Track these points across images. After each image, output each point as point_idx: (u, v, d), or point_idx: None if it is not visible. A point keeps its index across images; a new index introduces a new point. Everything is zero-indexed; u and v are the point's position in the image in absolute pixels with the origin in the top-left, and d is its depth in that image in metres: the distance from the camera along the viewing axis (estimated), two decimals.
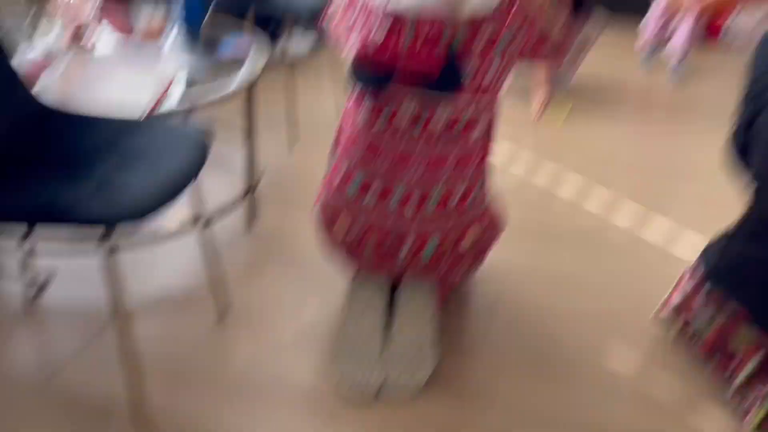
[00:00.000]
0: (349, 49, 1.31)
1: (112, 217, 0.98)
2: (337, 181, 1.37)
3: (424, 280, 1.45)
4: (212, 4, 2.16)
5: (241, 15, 2.80)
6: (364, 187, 1.33)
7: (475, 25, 1.20)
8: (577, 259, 1.78)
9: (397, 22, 1.21)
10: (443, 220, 1.34)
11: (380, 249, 1.38)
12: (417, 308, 1.41)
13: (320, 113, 2.58)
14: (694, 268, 1.40)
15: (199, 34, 1.85)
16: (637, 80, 3.12)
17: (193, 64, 1.65)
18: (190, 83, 1.53)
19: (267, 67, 1.69)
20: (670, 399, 1.34)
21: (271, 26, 3.12)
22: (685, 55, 2.97)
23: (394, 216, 1.33)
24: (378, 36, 1.23)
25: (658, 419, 1.29)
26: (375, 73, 1.25)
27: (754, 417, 1.20)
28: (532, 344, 1.47)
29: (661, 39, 3.07)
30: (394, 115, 1.28)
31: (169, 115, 1.41)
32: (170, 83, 1.52)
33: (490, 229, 1.44)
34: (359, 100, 1.32)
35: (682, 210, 2.04)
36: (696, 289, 1.37)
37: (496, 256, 1.73)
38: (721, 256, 1.33)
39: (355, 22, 1.31)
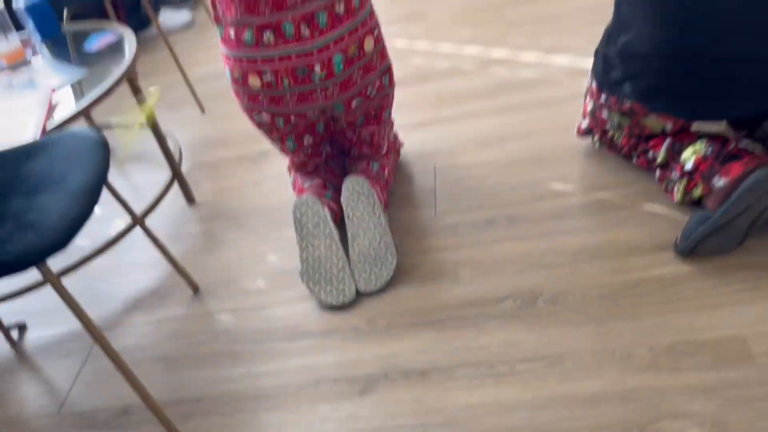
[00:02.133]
0: None
1: (38, 253, 1.00)
2: (233, 38, 1.43)
3: (351, 115, 1.52)
4: (62, 11, 2.11)
5: (99, 10, 2.73)
6: (258, 32, 1.39)
7: None
8: (497, 112, 1.85)
9: None
10: (338, 30, 1.40)
11: (297, 84, 1.42)
12: (364, 213, 1.48)
13: (213, 75, 2.56)
14: (589, 87, 1.49)
15: (61, 39, 1.83)
16: None
17: (66, 70, 1.63)
18: (72, 87, 1.54)
19: (147, 50, 1.68)
20: (613, 197, 1.46)
21: (139, 13, 3.05)
22: None
23: (295, 45, 1.39)
24: None
25: (611, 216, 1.41)
26: None
27: (677, 193, 1.31)
28: (478, 204, 1.56)
29: None
30: None
31: (62, 126, 1.42)
32: (51, 95, 1.51)
33: (381, 35, 1.50)
34: None
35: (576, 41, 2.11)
36: (597, 105, 1.46)
37: (418, 135, 1.81)
38: (598, 64, 1.41)
39: None
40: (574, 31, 2.13)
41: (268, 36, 1.38)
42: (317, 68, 1.40)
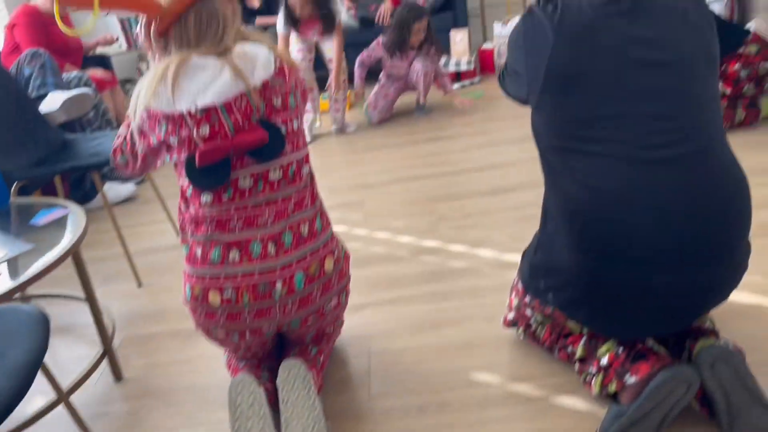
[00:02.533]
0: (180, 161, 1.44)
1: None
2: (199, 257, 1.46)
3: (305, 329, 1.56)
4: (13, 183, 2.17)
5: (47, 187, 2.80)
6: (225, 250, 1.44)
7: (268, 87, 1.42)
8: (428, 298, 1.96)
9: (210, 114, 1.39)
10: (301, 250, 1.47)
11: (257, 300, 1.44)
12: (299, 398, 1.49)
13: (152, 249, 2.62)
14: (515, 285, 1.63)
15: (8, 212, 1.86)
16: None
17: (10, 244, 1.65)
18: (15, 261, 1.55)
19: (90, 220, 1.73)
20: (537, 387, 1.53)
21: (84, 185, 3.15)
22: None
23: (259, 262, 1.43)
24: (203, 131, 1.39)
25: (535, 406, 1.46)
26: (217, 163, 1.40)
27: (595, 386, 1.40)
28: (410, 389, 1.60)
29: None
30: (236, 183, 1.43)
31: (1, 301, 1.41)
32: None
33: (342, 254, 1.59)
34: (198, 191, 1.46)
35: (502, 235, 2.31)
36: (522, 302, 1.58)
37: (353, 318, 1.88)
38: (524, 268, 1.56)
39: (166, 137, 1.43)
40: (498, 227, 2.34)
41: (233, 254, 1.44)
42: (278, 285, 1.45)
